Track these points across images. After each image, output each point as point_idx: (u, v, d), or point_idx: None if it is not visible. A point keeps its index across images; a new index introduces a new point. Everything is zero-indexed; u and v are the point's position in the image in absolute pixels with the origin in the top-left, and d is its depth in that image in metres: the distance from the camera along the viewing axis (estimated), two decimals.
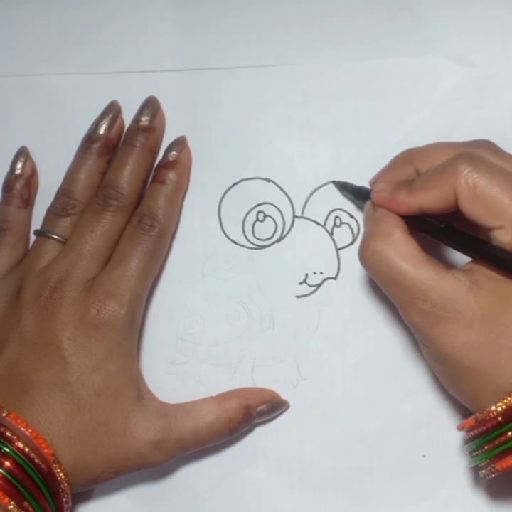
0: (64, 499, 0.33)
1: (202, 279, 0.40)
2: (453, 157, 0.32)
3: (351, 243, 0.40)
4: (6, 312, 0.37)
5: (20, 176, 0.40)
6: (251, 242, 0.40)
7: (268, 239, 0.40)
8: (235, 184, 0.40)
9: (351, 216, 0.40)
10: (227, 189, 0.40)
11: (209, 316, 0.40)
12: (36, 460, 0.32)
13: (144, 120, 0.39)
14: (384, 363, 0.39)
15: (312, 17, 0.41)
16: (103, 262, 0.37)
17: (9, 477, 0.31)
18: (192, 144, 0.40)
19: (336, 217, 0.40)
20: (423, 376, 0.39)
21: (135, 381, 0.36)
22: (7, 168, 0.41)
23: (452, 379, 0.33)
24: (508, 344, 0.31)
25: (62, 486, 0.33)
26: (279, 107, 0.40)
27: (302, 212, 0.40)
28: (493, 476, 0.32)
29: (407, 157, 0.36)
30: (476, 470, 0.37)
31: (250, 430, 0.39)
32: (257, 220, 0.40)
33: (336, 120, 0.40)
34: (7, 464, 0.31)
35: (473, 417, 0.32)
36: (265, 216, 0.40)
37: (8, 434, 0.32)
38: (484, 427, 0.32)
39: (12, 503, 0.31)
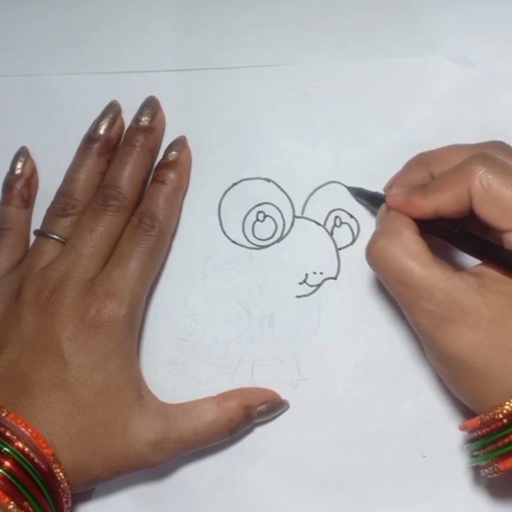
0: (64, 499, 0.33)
1: (202, 279, 0.40)
2: (467, 158, 0.32)
3: (351, 243, 0.40)
4: (6, 312, 0.37)
5: (20, 176, 0.40)
6: (251, 242, 0.40)
7: (268, 239, 0.40)
8: (235, 184, 0.40)
9: (351, 216, 0.40)
10: (227, 189, 0.40)
11: (209, 316, 0.40)
12: (36, 460, 0.32)
13: (144, 120, 0.39)
14: (384, 363, 0.39)
15: (312, 17, 0.41)
16: (103, 262, 0.37)
17: (9, 477, 0.31)
18: (192, 144, 0.40)
19: (336, 217, 0.40)
20: (423, 376, 0.39)
21: (135, 381, 0.36)
22: (7, 168, 0.41)
23: (455, 379, 0.33)
24: None
25: (62, 486, 0.33)
26: (279, 107, 0.40)
27: (302, 212, 0.40)
28: (495, 475, 0.32)
29: (421, 161, 0.36)
30: (476, 470, 0.38)
31: (250, 430, 0.39)
32: (257, 220, 0.40)
33: (336, 120, 0.40)
34: (7, 463, 0.31)
35: (477, 418, 0.32)
36: (265, 216, 0.40)
37: (8, 434, 0.32)
38: (488, 429, 0.32)
39: (12, 502, 0.31)
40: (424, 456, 0.38)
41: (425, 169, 0.35)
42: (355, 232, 0.40)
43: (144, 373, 0.38)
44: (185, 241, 0.40)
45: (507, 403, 0.31)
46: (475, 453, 0.33)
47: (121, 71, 0.41)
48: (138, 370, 0.37)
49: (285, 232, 0.40)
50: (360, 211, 0.40)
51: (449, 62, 0.40)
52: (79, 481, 0.34)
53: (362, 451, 0.39)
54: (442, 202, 0.32)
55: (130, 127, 0.40)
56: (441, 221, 0.33)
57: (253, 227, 0.40)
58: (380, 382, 0.39)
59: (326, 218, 0.40)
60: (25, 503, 0.31)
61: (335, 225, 0.40)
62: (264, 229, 0.40)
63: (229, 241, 0.40)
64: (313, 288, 0.39)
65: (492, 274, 0.32)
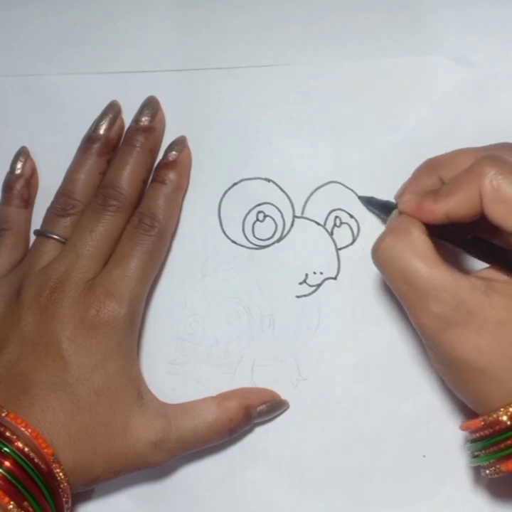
0: (64, 499, 0.33)
1: (202, 279, 0.40)
2: (477, 160, 0.32)
3: (351, 243, 0.40)
4: (6, 312, 0.37)
5: (20, 175, 0.40)
6: (251, 242, 0.40)
7: (268, 239, 0.40)
8: (235, 184, 0.40)
9: (351, 216, 0.40)
10: (227, 189, 0.40)
11: (209, 316, 0.40)
12: (36, 460, 0.32)
13: (144, 120, 0.39)
14: (384, 363, 0.39)
15: (312, 17, 0.41)
16: (103, 262, 0.37)
17: (9, 477, 0.31)
18: (192, 144, 0.40)
19: (336, 217, 0.40)
20: (423, 376, 0.39)
21: (135, 381, 0.36)
22: (7, 168, 0.41)
23: (459, 381, 0.33)
24: None
25: (62, 485, 0.33)
26: (279, 107, 0.40)
27: (302, 212, 0.40)
28: (496, 476, 0.32)
29: (430, 166, 0.36)
30: (476, 470, 0.38)
31: (250, 430, 0.39)
32: (257, 220, 0.40)
33: (336, 120, 0.40)
34: (7, 463, 0.31)
35: (480, 419, 0.32)
36: (265, 216, 0.40)
37: (7, 434, 0.32)
38: (491, 430, 0.31)
39: (12, 502, 0.31)
40: (423, 456, 0.38)
41: (434, 174, 0.35)
42: (355, 232, 0.40)
43: (144, 373, 0.38)
44: (185, 241, 0.40)
45: None
46: (476, 453, 0.33)
47: (121, 71, 0.41)
48: (138, 370, 0.37)
49: (285, 232, 0.40)
50: (360, 211, 0.40)
51: (449, 62, 0.40)
52: (79, 481, 0.34)
53: (362, 450, 0.39)
54: (454, 205, 0.32)
55: (130, 127, 0.40)
56: (452, 226, 0.33)
57: (253, 227, 0.40)
58: (380, 382, 0.39)
59: (326, 218, 0.40)
60: (25, 503, 0.31)
61: (335, 225, 0.40)
62: (264, 229, 0.40)
63: (229, 241, 0.40)
64: (313, 288, 0.39)
65: (500, 277, 0.32)
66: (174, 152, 0.39)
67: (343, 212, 0.40)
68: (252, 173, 0.40)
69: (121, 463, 0.35)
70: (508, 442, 0.31)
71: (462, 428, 0.34)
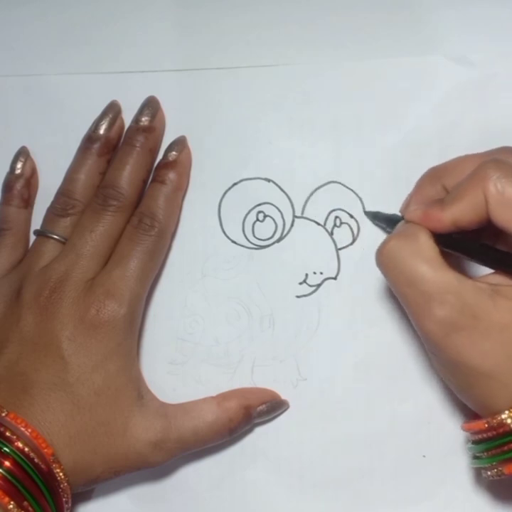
0: (64, 499, 0.33)
1: (202, 279, 0.40)
2: (480, 164, 0.32)
3: (351, 243, 0.40)
4: (6, 312, 0.37)
5: (20, 175, 0.40)
6: (251, 242, 0.40)
7: (268, 239, 0.40)
8: (235, 184, 0.40)
9: (351, 216, 0.40)
10: (227, 189, 0.40)
11: (209, 316, 0.40)
12: (36, 460, 0.32)
13: (144, 120, 0.39)
14: (384, 363, 0.39)
15: (312, 17, 0.41)
16: (103, 262, 0.37)
17: (9, 477, 0.31)
18: (192, 144, 0.40)
19: (336, 217, 0.40)
20: (423, 376, 0.39)
21: (135, 381, 0.36)
22: (7, 168, 0.41)
23: (463, 385, 0.33)
24: None
25: (62, 485, 0.33)
26: (279, 107, 0.40)
27: (302, 212, 0.40)
28: (498, 478, 0.32)
29: (433, 175, 0.36)
30: (476, 470, 0.38)
31: (250, 430, 0.39)
32: (257, 220, 0.40)
33: (336, 120, 0.40)
34: (7, 463, 0.31)
35: (484, 420, 0.32)
36: (265, 216, 0.40)
37: (7, 433, 0.32)
38: (495, 432, 0.31)
39: (12, 502, 0.31)
40: (424, 456, 0.38)
41: (438, 183, 0.35)
42: (355, 232, 0.40)
43: (144, 373, 0.38)
44: (185, 241, 0.40)
45: None
46: (478, 455, 0.33)
47: (121, 71, 0.41)
48: (138, 370, 0.37)
49: (285, 232, 0.40)
50: (360, 211, 0.40)
51: (449, 62, 0.40)
52: (79, 481, 0.34)
53: (362, 451, 0.39)
54: (460, 212, 0.32)
55: (130, 127, 0.40)
56: (458, 235, 0.33)
57: (253, 227, 0.40)
58: (380, 382, 0.39)
59: (326, 218, 0.40)
60: (25, 503, 0.31)
61: (335, 225, 0.40)
62: (264, 229, 0.40)
63: (229, 241, 0.40)
64: (313, 288, 0.39)
65: (505, 281, 0.32)
66: (174, 152, 0.39)
67: (343, 212, 0.40)
68: (252, 173, 0.40)
69: (121, 463, 0.35)
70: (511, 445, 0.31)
71: (464, 429, 0.34)
